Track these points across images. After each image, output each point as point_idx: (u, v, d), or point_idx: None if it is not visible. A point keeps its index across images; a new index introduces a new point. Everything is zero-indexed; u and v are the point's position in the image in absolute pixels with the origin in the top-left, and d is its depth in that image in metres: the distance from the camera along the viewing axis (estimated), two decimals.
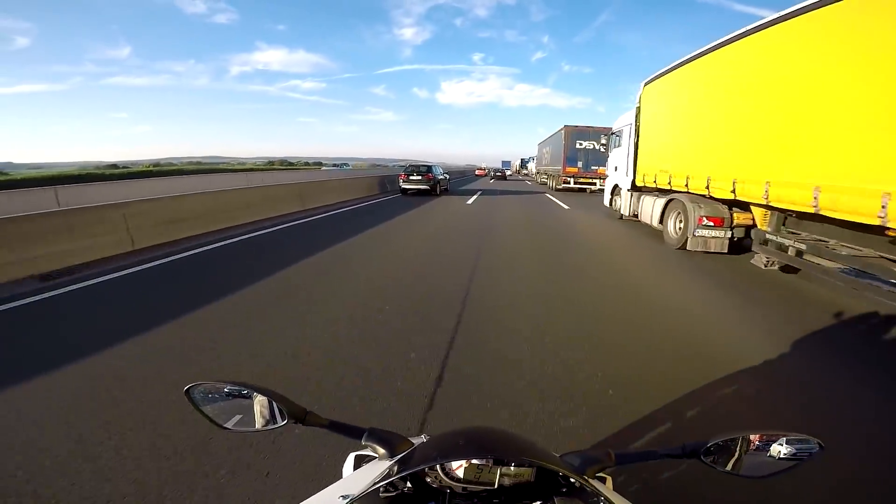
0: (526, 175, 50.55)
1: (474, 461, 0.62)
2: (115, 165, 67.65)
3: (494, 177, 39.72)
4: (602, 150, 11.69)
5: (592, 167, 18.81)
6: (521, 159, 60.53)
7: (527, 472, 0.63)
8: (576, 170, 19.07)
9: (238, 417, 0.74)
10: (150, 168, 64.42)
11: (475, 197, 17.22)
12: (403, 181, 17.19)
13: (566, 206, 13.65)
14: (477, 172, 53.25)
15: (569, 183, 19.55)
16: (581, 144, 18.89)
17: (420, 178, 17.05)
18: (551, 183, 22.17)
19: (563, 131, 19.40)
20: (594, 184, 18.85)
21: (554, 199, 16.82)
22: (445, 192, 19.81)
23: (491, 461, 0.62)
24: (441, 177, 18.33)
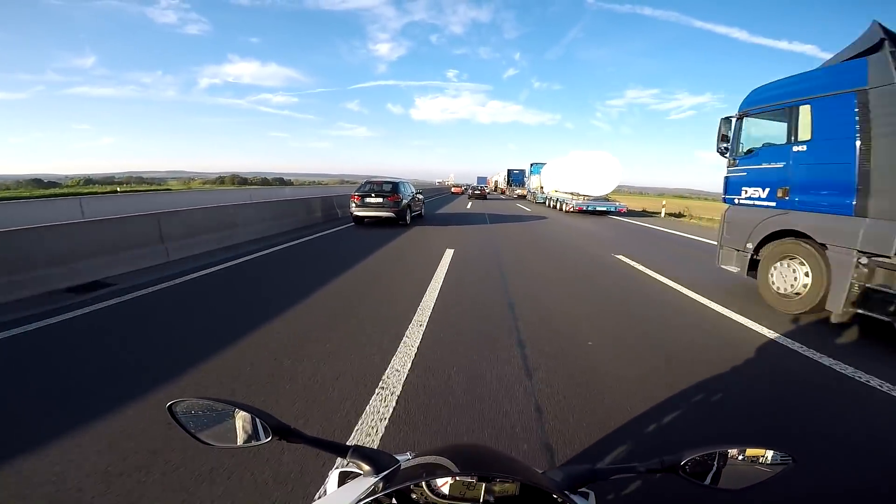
0: (521, 196, 35.18)
1: (459, 478, 0.63)
2: (39, 181, 58.69)
3: (473, 196, 33.22)
4: None
5: None
6: (510, 171, 42.71)
7: (511, 488, 0.65)
8: None
9: (221, 434, 0.73)
10: (77, 184, 56.24)
11: (463, 229, 12.02)
12: (357, 205, 11.47)
13: None
14: (453, 190, 48.11)
15: None
16: None
17: (381, 200, 11.44)
18: None
19: None
20: None
21: None
22: (419, 217, 14.61)
23: (476, 478, 0.64)
24: (410, 197, 12.70)
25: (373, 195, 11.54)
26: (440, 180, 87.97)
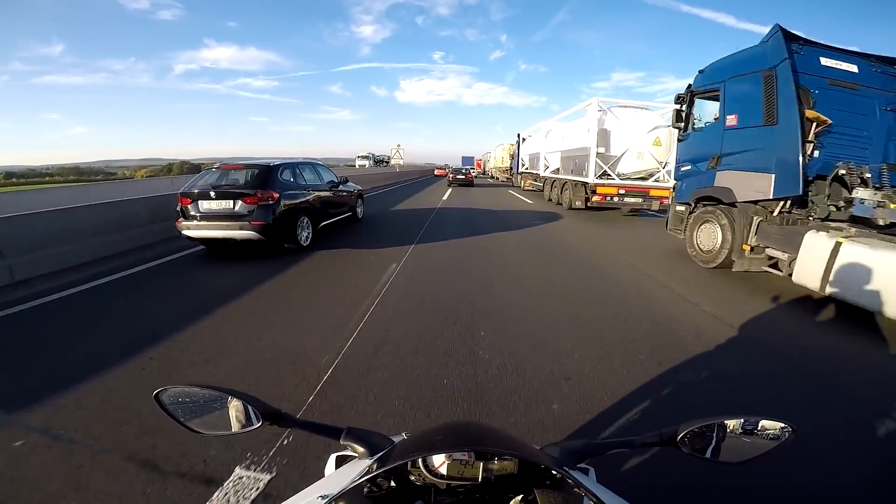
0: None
1: (456, 457, 0.62)
2: None
3: (455, 181, 25.49)
4: None
5: None
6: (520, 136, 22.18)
7: (510, 466, 0.63)
8: None
9: (210, 421, 0.71)
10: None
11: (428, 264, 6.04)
12: (186, 214, 5.41)
13: None
14: (436, 172, 42.09)
15: None
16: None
17: (231, 204, 5.34)
18: None
19: None
20: None
21: None
22: (354, 221, 8.46)
23: (473, 456, 0.62)
24: (312, 193, 6.58)
25: (212, 194, 5.45)
26: (386, 157, 61.42)
